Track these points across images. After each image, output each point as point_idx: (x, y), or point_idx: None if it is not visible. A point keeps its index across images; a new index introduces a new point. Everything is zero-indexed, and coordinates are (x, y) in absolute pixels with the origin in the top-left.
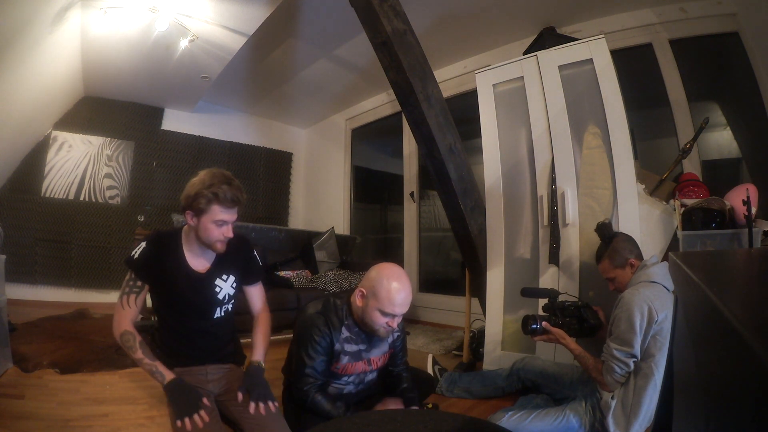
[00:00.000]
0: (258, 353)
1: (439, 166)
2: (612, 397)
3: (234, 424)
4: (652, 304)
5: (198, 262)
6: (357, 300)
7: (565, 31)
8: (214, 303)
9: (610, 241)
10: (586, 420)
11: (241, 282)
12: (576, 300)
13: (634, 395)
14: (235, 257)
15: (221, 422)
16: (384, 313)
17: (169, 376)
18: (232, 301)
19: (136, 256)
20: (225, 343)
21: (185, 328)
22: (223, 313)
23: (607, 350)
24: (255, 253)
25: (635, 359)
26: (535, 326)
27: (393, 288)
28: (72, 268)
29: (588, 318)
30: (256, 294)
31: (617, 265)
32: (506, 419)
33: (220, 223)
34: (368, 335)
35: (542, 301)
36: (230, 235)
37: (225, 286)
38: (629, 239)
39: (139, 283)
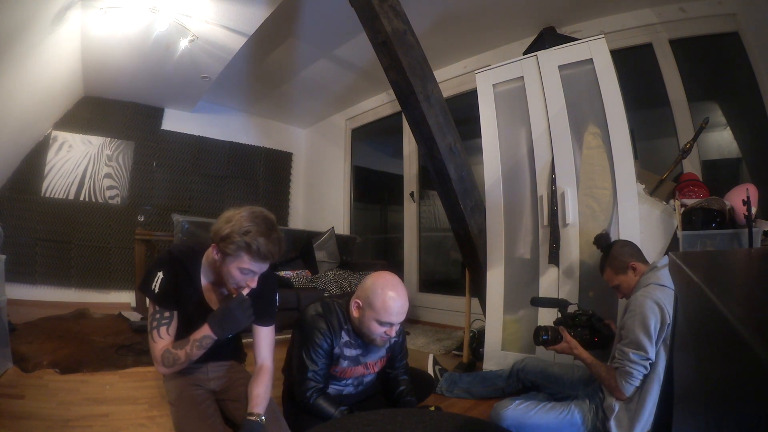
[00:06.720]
0: (259, 406)
1: (439, 166)
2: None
3: (234, 425)
4: (665, 306)
5: (214, 295)
6: (353, 311)
7: (565, 31)
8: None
9: (609, 249)
10: (589, 418)
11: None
12: (587, 310)
13: (639, 398)
14: (253, 294)
15: (223, 423)
16: (381, 323)
17: (204, 329)
18: None
19: (157, 288)
20: (227, 347)
21: None
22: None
23: (623, 355)
24: (277, 295)
25: (651, 361)
26: (546, 337)
27: (389, 297)
28: (72, 268)
29: (600, 329)
30: (264, 339)
31: (619, 271)
32: (513, 407)
33: (245, 271)
34: (365, 341)
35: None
36: (254, 285)
37: None
38: (628, 244)
39: (166, 314)
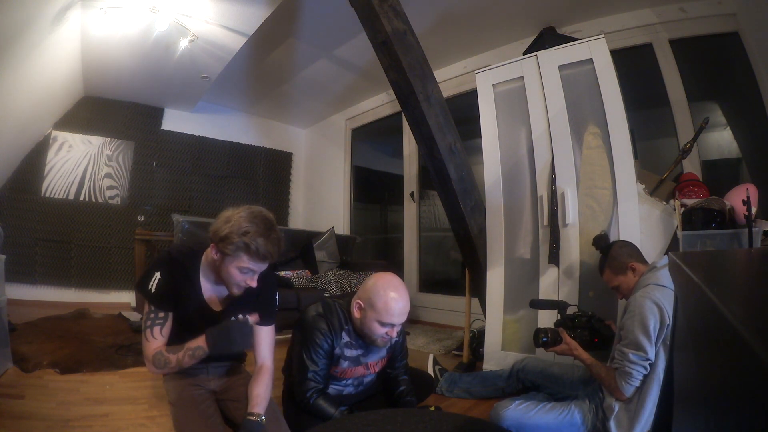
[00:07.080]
0: (259, 406)
1: (439, 166)
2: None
3: (234, 425)
4: (664, 307)
5: (214, 295)
6: (354, 311)
7: (565, 31)
8: None
9: (608, 250)
10: (589, 418)
11: None
12: (587, 311)
13: (638, 399)
14: (253, 294)
15: (224, 423)
16: (382, 324)
17: (200, 340)
18: None
19: (153, 289)
20: None
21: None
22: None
23: (622, 356)
24: (276, 294)
25: (650, 362)
26: (545, 339)
27: (390, 298)
28: (72, 268)
29: (600, 329)
30: (264, 338)
31: (618, 271)
32: (513, 407)
33: (245, 270)
34: (366, 342)
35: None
36: (253, 284)
37: None
38: (627, 245)
39: (161, 314)
